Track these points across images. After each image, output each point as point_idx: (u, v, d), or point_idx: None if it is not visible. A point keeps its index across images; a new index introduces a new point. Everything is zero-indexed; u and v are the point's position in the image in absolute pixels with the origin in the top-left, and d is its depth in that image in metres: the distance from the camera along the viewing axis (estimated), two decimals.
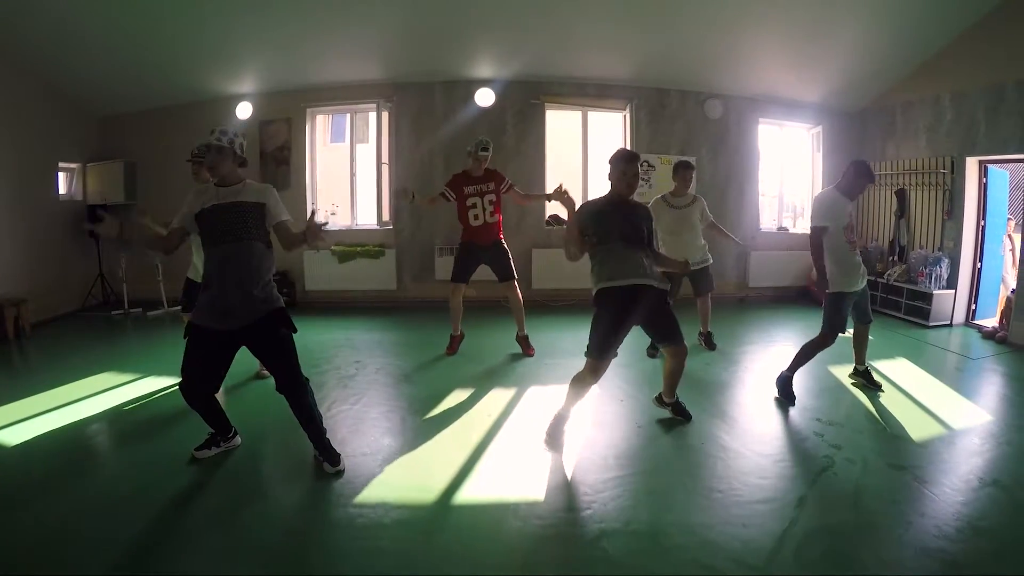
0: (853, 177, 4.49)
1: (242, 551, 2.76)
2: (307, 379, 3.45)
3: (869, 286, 7.80)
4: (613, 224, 3.72)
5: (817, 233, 4.46)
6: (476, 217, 5.59)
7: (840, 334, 4.53)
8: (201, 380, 3.35)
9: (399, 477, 3.43)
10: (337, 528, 2.95)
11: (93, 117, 8.45)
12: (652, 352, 5.76)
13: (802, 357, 4.61)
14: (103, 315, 7.87)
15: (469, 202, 5.57)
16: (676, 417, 4.21)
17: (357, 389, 4.93)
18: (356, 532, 2.89)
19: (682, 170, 5.77)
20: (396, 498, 3.19)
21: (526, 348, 5.83)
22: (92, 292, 8.23)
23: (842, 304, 4.48)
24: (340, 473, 3.42)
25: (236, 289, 3.21)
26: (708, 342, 6.11)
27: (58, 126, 7.88)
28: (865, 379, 4.92)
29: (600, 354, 3.65)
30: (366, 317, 7.59)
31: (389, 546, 2.78)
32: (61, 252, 7.89)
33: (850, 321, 4.70)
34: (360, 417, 4.35)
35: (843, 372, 5.21)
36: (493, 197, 5.61)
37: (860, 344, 4.89)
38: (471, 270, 5.74)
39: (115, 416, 4.38)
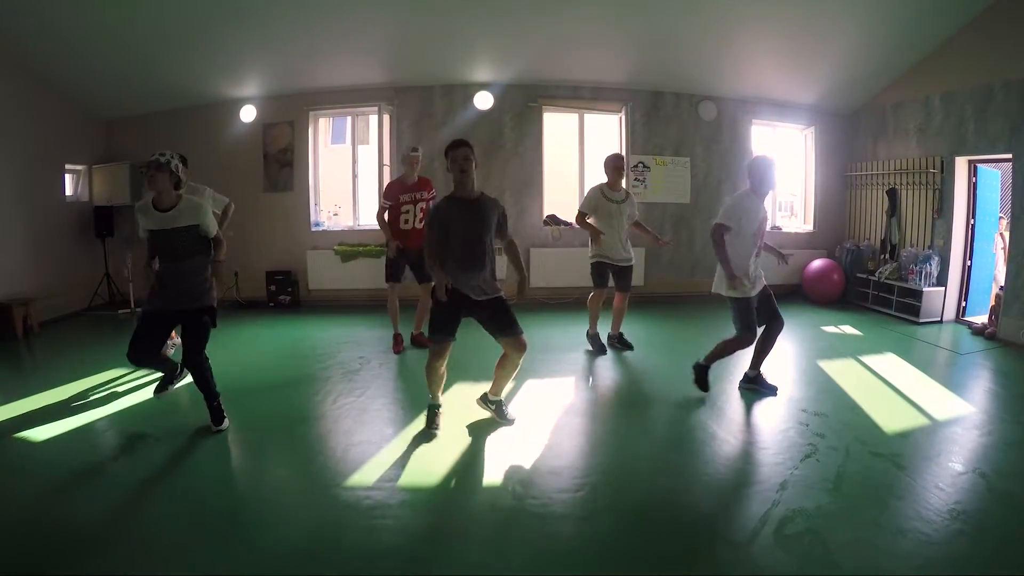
0: (759, 174, 4.45)
1: (258, 528, 2.93)
2: (207, 357, 4.05)
3: (861, 283, 8.05)
4: (456, 227, 3.79)
5: (718, 231, 4.38)
6: (406, 222, 5.91)
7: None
8: (147, 351, 4.00)
9: (402, 463, 3.59)
10: (346, 508, 3.11)
11: (99, 120, 8.58)
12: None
13: (719, 353, 4.63)
14: (109, 314, 8.01)
15: (403, 208, 5.89)
16: (498, 420, 4.23)
17: (361, 383, 5.08)
18: (363, 512, 3.06)
19: (613, 161, 5.85)
20: (400, 482, 3.36)
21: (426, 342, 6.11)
22: (98, 291, 8.36)
23: (745, 305, 4.45)
24: (222, 431, 4.01)
25: (184, 286, 3.92)
26: (622, 342, 6.11)
27: (64, 129, 7.99)
28: (756, 384, 4.85)
29: (439, 337, 3.88)
30: (368, 315, 7.71)
31: (395, 524, 2.95)
32: (68, 252, 8.00)
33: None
34: (364, 408, 4.51)
35: (830, 365, 5.37)
36: (424, 205, 5.92)
37: (764, 347, 4.76)
38: (402, 270, 6.06)
39: (121, 411, 4.48)
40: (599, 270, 5.86)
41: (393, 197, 5.89)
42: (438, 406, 4.14)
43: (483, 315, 3.93)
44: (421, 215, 5.90)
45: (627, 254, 5.85)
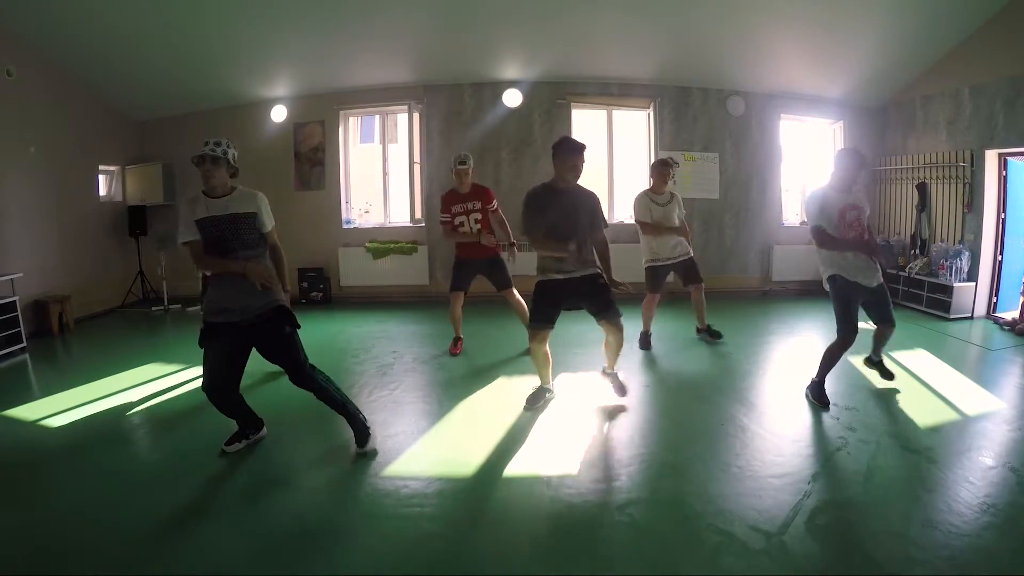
0: (836, 167, 4.36)
1: (298, 517, 3.04)
2: (313, 367, 3.64)
3: (891, 279, 7.97)
4: (548, 214, 4.09)
5: (816, 232, 4.31)
6: (464, 235, 5.60)
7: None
8: (226, 384, 3.49)
9: (439, 454, 3.71)
10: (386, 496, 3.23)
11: (132, 121, 8.81)
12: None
13: (826, 362, 4.45)
14: (143, 311, 8.23)
15: (457, 220, 5.59)
16: (615, 388, 4.60)
17: (395, 376, 5.21)
18: (402, 500, 3.18)
19: (659, 167, 5.88)
20: (437, 472, 3.46)
21: None
22: (132, 289, 8.58)
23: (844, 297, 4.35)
24: (365, 455, 3.65)
25: (241, 288, 3.37)
26: (712, 333, 6.10)
27: (98, 130, 8.21)
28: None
29: (537, 324, 4.23)
30: (400, 311, 7.86)
31: (433, 512, 3.06)
32: (102, 251, 8.23)
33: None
34: (399, 401, 4.63)
35: (860, 361, 5.37)
36: (479, 215, 5.59)
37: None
38: (469, 280, 5.78)
39: (155, 406, 4.62)
40: (652, 274, 5.89)
41: (447, 210, 5.60)
42: (546, 389, 4.49)
43: (581, 291, 4.18)
44: (479, 225, 5.61)
45: (682, 248, 5.85)
